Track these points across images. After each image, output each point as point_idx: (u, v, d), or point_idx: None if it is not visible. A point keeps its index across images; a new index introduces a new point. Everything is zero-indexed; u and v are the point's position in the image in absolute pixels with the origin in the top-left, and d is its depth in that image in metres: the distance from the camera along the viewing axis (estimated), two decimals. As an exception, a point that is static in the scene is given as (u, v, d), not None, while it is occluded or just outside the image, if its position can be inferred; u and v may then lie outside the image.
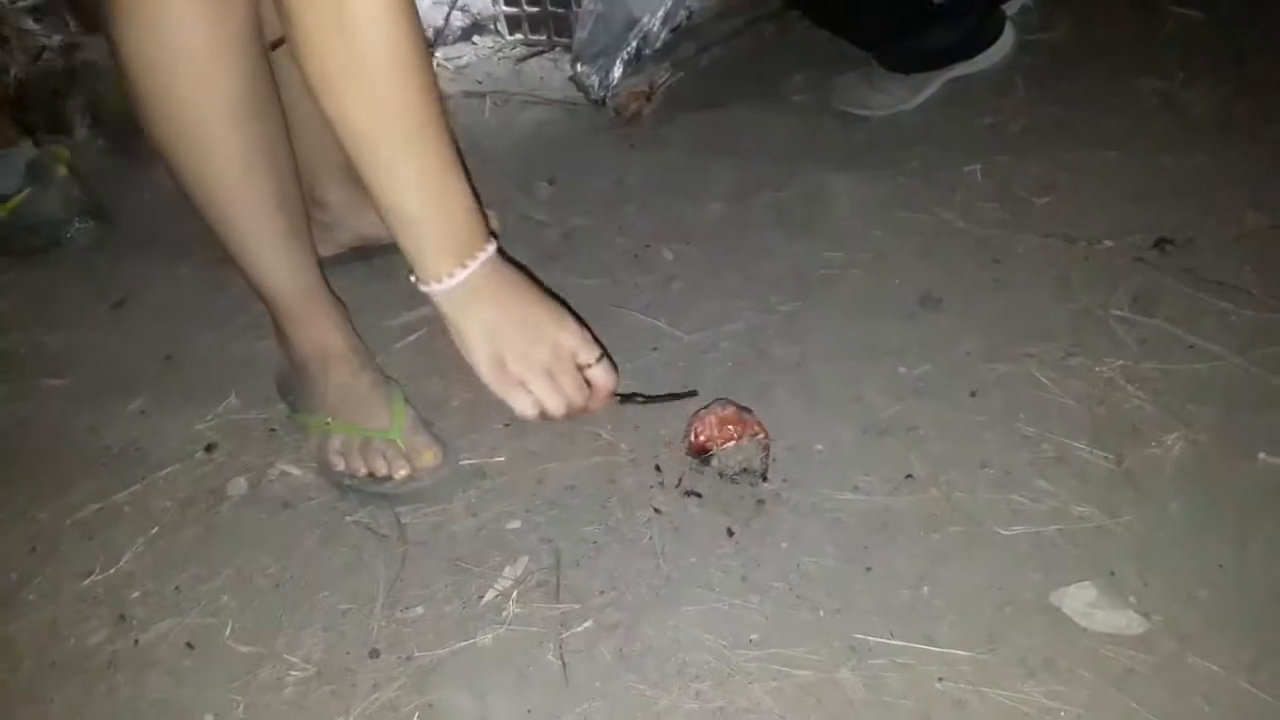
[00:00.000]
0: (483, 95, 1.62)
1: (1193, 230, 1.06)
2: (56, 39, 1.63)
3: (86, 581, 0.83)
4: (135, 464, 0.94)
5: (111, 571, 0.84)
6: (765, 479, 0.84)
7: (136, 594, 0.82)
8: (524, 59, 1.74)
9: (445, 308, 0.77)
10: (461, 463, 0.89)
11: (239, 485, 0.91)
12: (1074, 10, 1.52)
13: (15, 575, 0.85)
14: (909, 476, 0.84)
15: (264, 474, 0.92)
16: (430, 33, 1.77)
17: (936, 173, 1.23)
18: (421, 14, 0.74)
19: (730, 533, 0.81)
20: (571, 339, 0.81)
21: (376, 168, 0.70)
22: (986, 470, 0.83)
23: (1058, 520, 0.78)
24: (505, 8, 1.77)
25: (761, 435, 0.85)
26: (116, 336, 1.14)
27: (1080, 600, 0.72)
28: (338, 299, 0.92)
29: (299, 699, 0.72)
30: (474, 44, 1.81)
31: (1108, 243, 1.07)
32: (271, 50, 0.78)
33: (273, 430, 0.97)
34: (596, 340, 0.83)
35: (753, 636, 0.72)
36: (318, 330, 0.89)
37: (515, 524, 0.84)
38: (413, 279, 0.77)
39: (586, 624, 0.75)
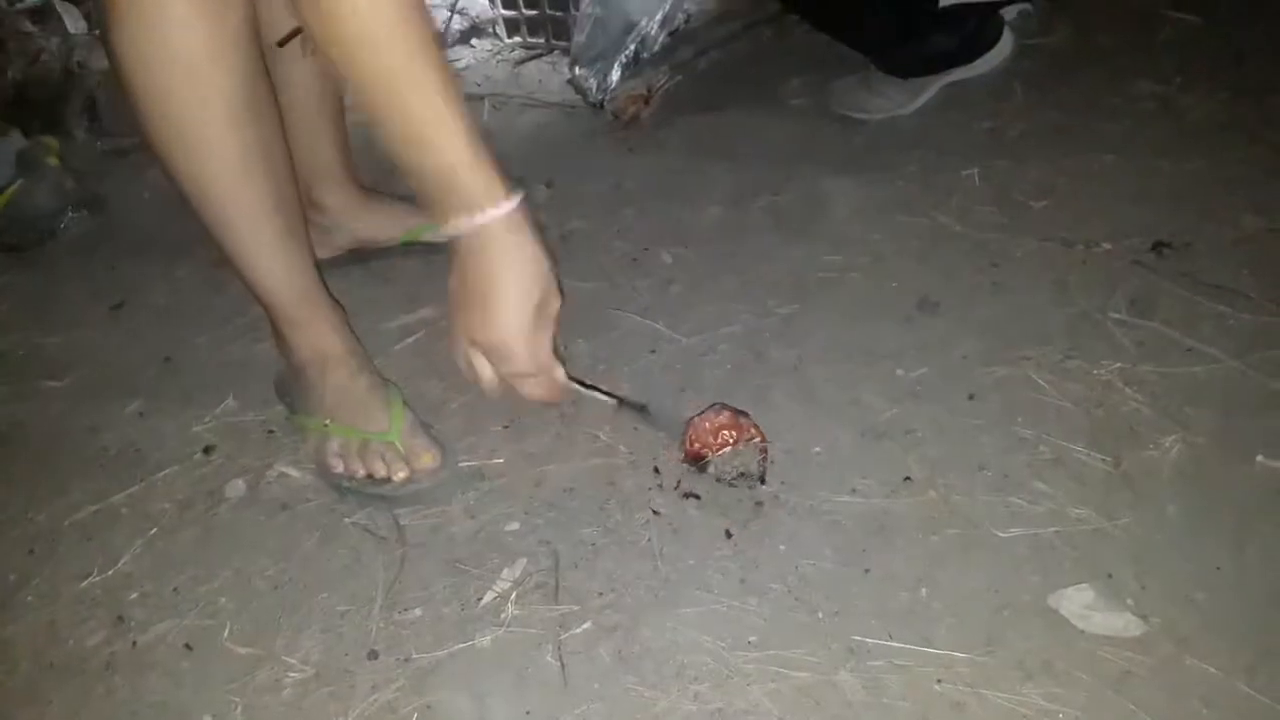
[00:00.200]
0: (481, 98, 1.62)
1: (1190, 234, 1.06)
2: (55, 41, 1.63)
3: (84, 583, 0.83)
4: (133, 465, 0.95)
5: (110, 573, 0.84)
6: (763, 482, 0.84)
7: (134, 595, 0.82)
8: (522, 62, 1.74)
9: (493, 231, 0.73)
10: (460, 465, 0.89)
11: (237, 487, 0.91)
12: (1072, 15, 1.52)
13: (13, 577, 0.85)
14: (907, 479, 0.84)
15: (262, 476, 0.92)
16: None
17: (934, 176, 1.23)
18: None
19: (729, 535, 0.81)
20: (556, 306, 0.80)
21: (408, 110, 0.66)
22: (984, 473, 0.83)
23: (1055, 523, 0.78)
24: (504, 11, 1.77)
25: (758, 439, 0.85)
26: (115, 338, 1.14)
27: (1078, 602, 0.72)
28: (336, 301, 0.92)
29: (297, 700, 0.72)
30: (473, 47, 1.81)
31: (1106, 246, 1.07)
32: (279, 47, 0.78)
33: (271, 432, 0.97)
34: None
35: (751, 638, 0.72)
36: (316, 333, 0.89)
37: (514, 526, 0.84)
38: (453, 222, 0.72)
39: (585, 625, 0.75)
